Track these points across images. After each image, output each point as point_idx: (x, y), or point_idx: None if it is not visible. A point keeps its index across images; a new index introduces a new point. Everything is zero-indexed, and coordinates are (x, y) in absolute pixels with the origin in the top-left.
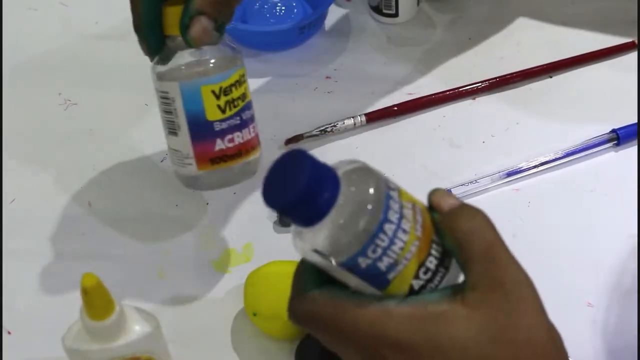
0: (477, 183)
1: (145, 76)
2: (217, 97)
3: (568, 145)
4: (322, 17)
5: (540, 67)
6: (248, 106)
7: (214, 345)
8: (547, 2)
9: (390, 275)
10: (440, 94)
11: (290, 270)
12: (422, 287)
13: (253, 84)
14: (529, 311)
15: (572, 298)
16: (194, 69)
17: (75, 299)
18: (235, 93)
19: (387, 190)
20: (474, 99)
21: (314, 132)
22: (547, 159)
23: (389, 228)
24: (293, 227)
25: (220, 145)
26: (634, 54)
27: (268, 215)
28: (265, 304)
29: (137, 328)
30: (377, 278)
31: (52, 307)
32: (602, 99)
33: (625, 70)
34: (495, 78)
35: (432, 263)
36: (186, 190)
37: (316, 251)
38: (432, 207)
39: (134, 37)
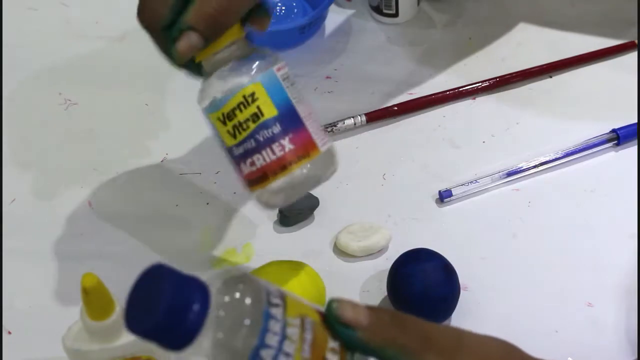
0: (477, 183)
1: (145, 76)
2: (224, 124)
3: (568, 145)
4: (322, 17)
5: (540, 67)
6: (266, 125)
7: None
8: (547, 2)
9: None
10: (440, 94)
11: (290, 270)
12: None
13: None
14: None
15: (572, 298)
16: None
17: (75, 299)
18: (241, 116)
19: (266, 308)
20: (474, 99)
21: None
22: (547, 159)
23: (266, 354)
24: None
25: (245, 169)
26: (634, 54)
27: (268, 215)
28: None
29: None
30: None
31: (52, 307)
32: (602, 99)
33: (625, 70)
34: (495, 78)
35: None
36: (186, 190)
37: None
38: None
39: (133, 37)
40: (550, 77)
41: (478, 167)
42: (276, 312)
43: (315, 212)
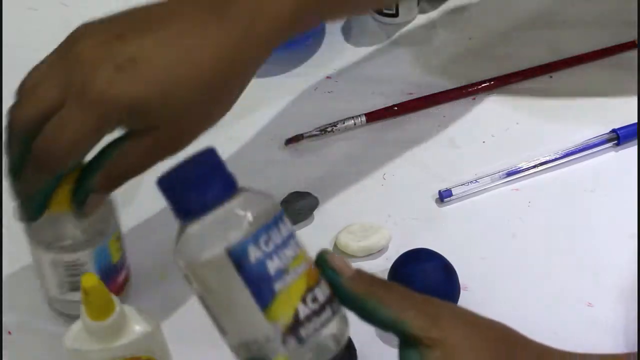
0: (477, 183)
1: None
2: None
3: (568, 145)
4: None
5: (540, 67)
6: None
7: (214, 345)
8: (547, 2)
9: (277, 286)
10: (440, 94)
11: None
12: (308, 320)
13: (253, 84)
14: None
15: (572, 298)
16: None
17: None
18: None
19: (280, 215)
20: (474, 99)
21: (314, 132)
22: (547, 159)
23: (284, 228)
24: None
25: None
26: (634, 54)
27: None
28: None
29: (137, 328)
30: (263, 285)
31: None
32: (602, 99)
33: (625, 70)
34: (495, 78)
35: (321, 295)
36: None
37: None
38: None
39: None
40: (550, 77)
41: (478, 167)
42: (285, 227)
43: (315, 212)
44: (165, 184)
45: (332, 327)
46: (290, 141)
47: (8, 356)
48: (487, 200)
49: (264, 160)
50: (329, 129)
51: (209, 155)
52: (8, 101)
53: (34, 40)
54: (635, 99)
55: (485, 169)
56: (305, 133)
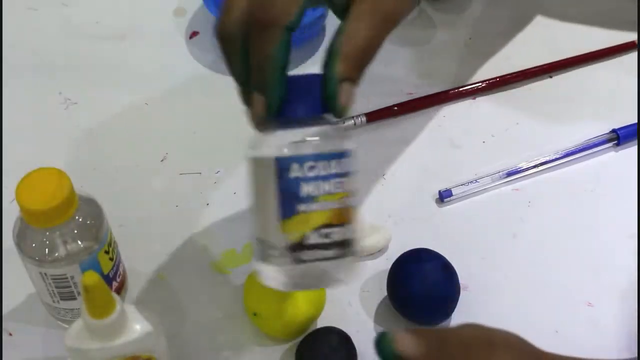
0: (477, 183)
1: (145, 76)
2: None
3: (568, 145)
4: (322, 17)
5: (540, 67)
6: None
7: (213, 345)
8: (547, 2)
9: (301, 207)
10: (440, 94)
11: None
12: (312, 248)
13: None
14: None
15: (572, 298)
16: None
17: None
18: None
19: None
20: (474, 99)
21: None
22: (547, 159)
23: (336, 166)
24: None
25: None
26: (634, 54)
27: None
28: (265, 304)
29: (137, 327)
30: (289, 200)
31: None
32: (602, 99)
33: (625, 70)
34: (495, 78)
35: (336, 235)
36: (186, 191)
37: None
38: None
39: (134, 37)
40: (550, 77)
41: (478, 167)
42: (339, 166)
43: None
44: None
45: (331, 267)
46: None
47: (8, 356)
48: (487, 200)
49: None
50: None
51: (314, 78)
52: (8, 101)
53: (34, 40)
54: (635, 99)
55: (485, 169)
56: None
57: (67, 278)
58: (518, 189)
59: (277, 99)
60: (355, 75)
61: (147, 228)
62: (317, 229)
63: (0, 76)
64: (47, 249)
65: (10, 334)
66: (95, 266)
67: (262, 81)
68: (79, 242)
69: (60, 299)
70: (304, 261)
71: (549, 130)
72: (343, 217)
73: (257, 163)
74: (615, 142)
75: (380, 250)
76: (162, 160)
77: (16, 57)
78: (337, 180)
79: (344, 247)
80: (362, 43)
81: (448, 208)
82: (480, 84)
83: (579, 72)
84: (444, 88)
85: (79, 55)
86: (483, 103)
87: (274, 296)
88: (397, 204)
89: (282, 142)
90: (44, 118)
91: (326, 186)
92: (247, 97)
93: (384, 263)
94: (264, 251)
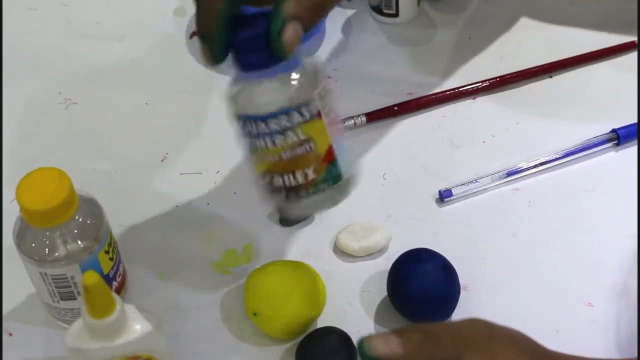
0: (477, 183)
1: (145, 76)
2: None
3: (568, 145)
4: None
5: (540, 67)
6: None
7: (214, 345)
8: (547, 2)
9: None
10: (440, 94)
11: (290, 270)
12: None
13: None
14: None
15: (572, 298)
16: None
17: None
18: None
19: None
20: (474, 99)
21: None
22: (547, 159)
23: (296, 117)
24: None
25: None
26: (634, 54)
27: (268, 216)
28: (265, 304)
29: (137, 327)
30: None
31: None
32: (602, 99)
33: (625, 70)
34: (495, 78)
35: (286, 180)
36: (186, 190)
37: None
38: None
39: (133, 37)
40: (550, 77)
41: (478, 167)
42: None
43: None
44: (238, 40)
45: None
46: None
47: (8, 356)
48: (487, 200)
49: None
50: None
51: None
52: (8, 101)
53: (34, 40)
54: (635, 99)
55: (485, 169)
56: None
57: (67, 278)
58: (518, 189)
59: (219, 52)
60: (306, 15)
61: (147, 228)
62: (267, 173)
63: (0, 76)
64: (47, 249)
65: (10, 334)
66: (95, 266)
67: (205, 34)
68: (79, 242)
69: (60, 299)
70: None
71: (549, 130)
72: (305, 161)
73: (234, 118)
74: (615, 142)
75: (380, 250)
76: (162, 160)
77: (16, 57)
78: (293, 130)
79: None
80: None
81: (448, 208)
82: (480, 84)
83: (579, 72)
84: (444, 88)
85: (79, 55)
86: (483, 103)
87: (274, 296)
88: (397, 204)
89: (251, 96)
90: (44, 118)
91: (287, 138)
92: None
93: (384, 263)
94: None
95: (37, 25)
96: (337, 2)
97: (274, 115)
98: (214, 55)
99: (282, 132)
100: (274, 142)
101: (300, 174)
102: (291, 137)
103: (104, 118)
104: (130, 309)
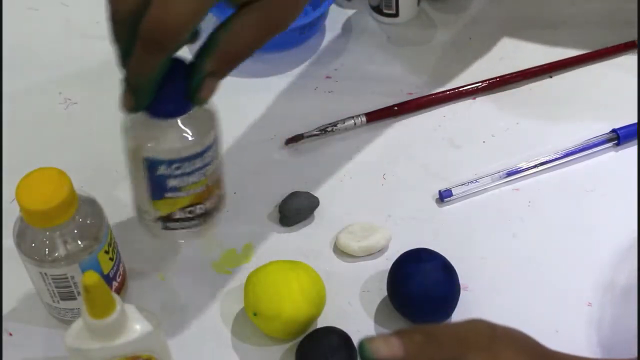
0: (477, 183)
1: None
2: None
3: (568, 145)
4: (322, 17)
5: (540, 67)
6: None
7: (214, 345)
8: (547, 2)
9: (168, 194)
10: (440, 94)
11: (290, 270)
12: (179, 220)
13: (253, 84)
14: None
15: (572, 298)
16: None
17: None
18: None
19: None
20: (474, 99)
21: (314, 132)
22: (547, 159)
23: (199, 162)
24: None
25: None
26: (634, 54)
27: (268, 215)
28: (265, 304)
29: (138, 327)
30: (157, 190)
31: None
32: (602, 99)
33: (625, 70)
34: (495, 78)
35: (198, 209)
36: None
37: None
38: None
39: None
40: (550, 77)
41: (478, 167)
42: (201, 160)
43: (315, 212)
44: (160, 92)
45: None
46: (290, 141)
47: (8, 356)
48: (487, 200)
49: (264, 160)
50: (329, 129)
51: (180, 72)
52: (8, 101)
53: (34, 40)
54: (635, 99)
55: (485, 169)
56: (306, 133)
57: (67, 278)
58: (518, 189)
59: (144, 104)
60: (223, 72)
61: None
62: (183, 208)
63: (1, 76)
64: (47, 249)
65: (10, 334)
66: (95, 266)
67: (134, 86)
68: (79, 242)
69: (61, 299)
70: (171, 229)
71: (549, 130)
72: (205, 196)
73: (131, 149)
74: (615, 142)
75: (380, 250)
76: None
77: (16, 57)
78: (201, 171)
79: (205, 217)
80: (241, 48)
81: (448, 208)
82: (480, 84)
83: (579, 72)
84: (444, 88)
85: (79, 55)
86: (483, 103)
87: (274, 296)
88: (397, 204)
89: (151, 140)
90: (44, 118)
91: (190, 178)
92: (124, 63)
93: (384, 263)
94: (141, 215)
95: (37, 25)
96: (250, 54)
97: (203, 152)
98: (138, 106)
99: (209, 163)
100: (204, 173)
101: (216, 195)
102: (213, 168)
103: (104, 118)
104: (130, 309)
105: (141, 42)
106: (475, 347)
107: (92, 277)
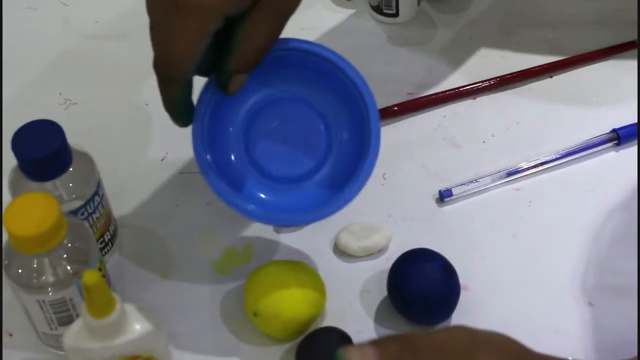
0: (477, 183)
1: (145, 76)
2: None
3: (568, 145)
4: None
5: (540, 67)
6: None
7: (214, 345)
8: (547, 2)
9: None
10: (440, 94)
11: (290, 270)
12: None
13: None
14: None
15: (572, 298)
16: None
17: None
18: None
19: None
20: (474, 99)
21: None
22: (547, 158)
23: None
24: None
25: None
26: (634, 54)
27: None
28: (265, 304)
29: (137, 327)
30: None
31: None
32: (602, 99)
33: (625, 70)
34: (495, 78)
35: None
36: (186, 190)
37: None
38: None
39: (134, 37)
40: (550, 77)
41: (478, 167)
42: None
43: None
44: (16, 145)
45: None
46: None
47: (8, 356)
48: (487, 200)
49: None
50: None
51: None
52: (8, 101)
53: (34, 40)
54: (635, 99)
55: (485, 169)
56: None
57: (66, 301)
58: (518, 188)
59: (183, 124)
60: (248, 68)
61: (147, 227)
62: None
63: (0, 76)
64: (41, 276)
65: (11, 334)
66: None
67: (169, 111)
68: (68, 268)
69: (60, 324)
70: None
71: (549, 130)
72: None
73: None
74: (616, 142)
75: (380, 250)
76: (162, 160)
77: (16, 57)
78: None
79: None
80: (259, 44)
81: (448, 208)
82: (480, 84)
83: (579, 72)
84: (444, 88)
85: (79, 55)
86: (483, 103)
87: (274, 296)
88: (397, 204)
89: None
90: (44, 118)
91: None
92: None
93: (384, 263)
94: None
95: (37, 25)
96: (271, 45)
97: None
98: (180, 125)
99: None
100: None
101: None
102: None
103: (104, 118)
104: (130, 309)
105: (157, 78)
106: (454, 355)
107: (92, 277)
